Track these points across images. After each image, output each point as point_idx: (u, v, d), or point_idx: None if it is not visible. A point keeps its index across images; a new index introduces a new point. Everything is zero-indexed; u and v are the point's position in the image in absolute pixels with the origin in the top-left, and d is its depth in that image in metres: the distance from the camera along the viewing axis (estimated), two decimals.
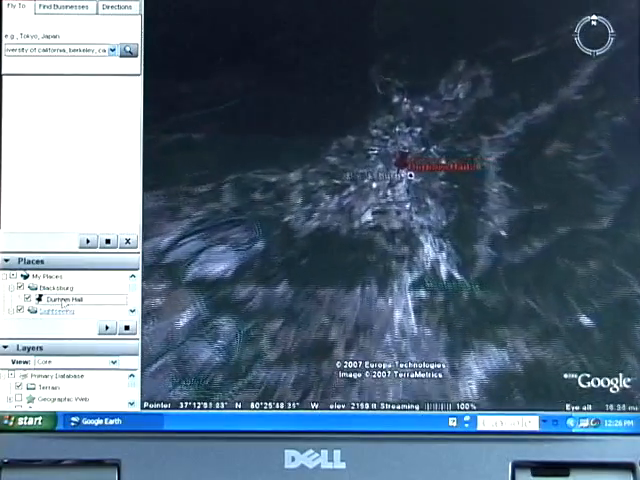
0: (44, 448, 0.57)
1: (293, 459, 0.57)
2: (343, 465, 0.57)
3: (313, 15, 0.61)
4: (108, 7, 0.58)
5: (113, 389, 0.58)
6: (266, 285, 0.59)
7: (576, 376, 0.57)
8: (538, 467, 0.57)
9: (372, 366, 0.57)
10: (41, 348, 0.58)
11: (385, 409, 0.58)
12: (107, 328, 0.58)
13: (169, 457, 0.57)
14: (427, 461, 0.57)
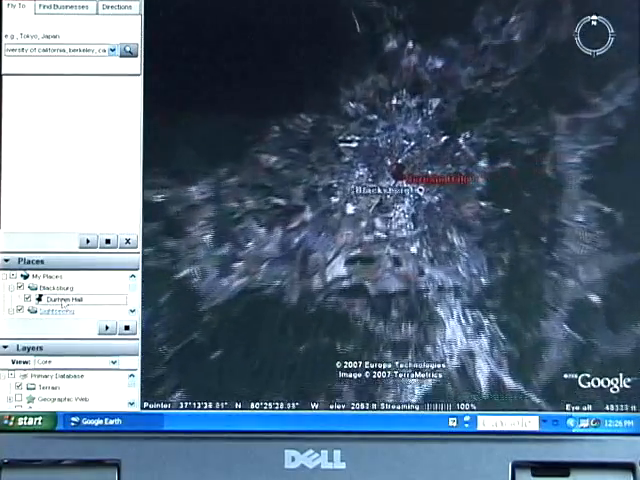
0: (44, 448, 0.57)
1: (293, 459, 0.57)
2: (343, 465, 0.57)
3: None
4: (108, 7, 0.58)
5: (113, 389, 0.58)
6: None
7: (576, 376, 0.57)
8: (538, 467, 0.57)
9: (372, 366, 0.57)
10: (41, 348, 0.58)
11: (385, 409, 0.57)
12: (107, 328, 0.58)
13: (169, 457, 0.57)
14: (427, 461, 0.57)
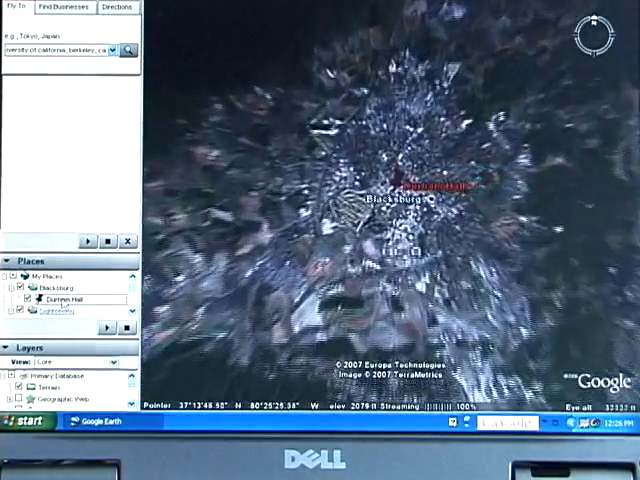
0: (44, 448, 0.57)
1: (293, 459, 0.57)
2: (343, 465, 0.57)
3: None
4: (108, 7, 0.58)
5: (113, 389, 0.58)
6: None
7: (576, 376, 0.57)
8: (538, 467, 0.57)
9: (372, 366, 0.57)
10: (41, 348, 0.58)
11: (385, 409, 0.57)
12: (107, 328, 0.58)
13: (169, 457, 0.57)
14: (427, 461, 0.57)
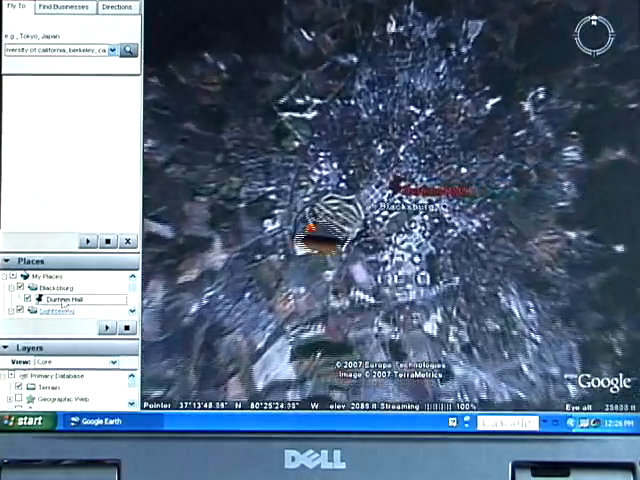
0: (44, 448, 0.57)
1: (293, 459, 0.57)
2: (343, 465, 0.57)
3: None
4: (108, 7, 0.58)
5: (113, 389, 0.58)
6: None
7: (576, 376, 0.57)
8: (538, 467, 0.57)
9: (372, 366, 0.57)
10: (41, 348, 0.58)
11: (385, 409, 0.57)
12: (107, 328, 0.58)
13: (169, 457, 0.57)
14: (427, 461, 0.57)
